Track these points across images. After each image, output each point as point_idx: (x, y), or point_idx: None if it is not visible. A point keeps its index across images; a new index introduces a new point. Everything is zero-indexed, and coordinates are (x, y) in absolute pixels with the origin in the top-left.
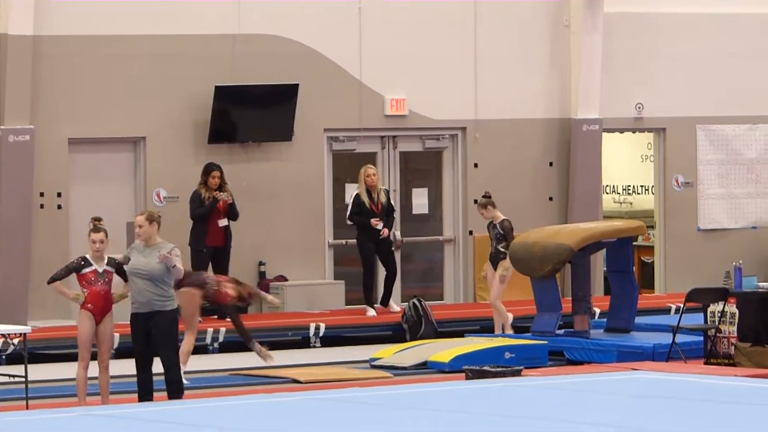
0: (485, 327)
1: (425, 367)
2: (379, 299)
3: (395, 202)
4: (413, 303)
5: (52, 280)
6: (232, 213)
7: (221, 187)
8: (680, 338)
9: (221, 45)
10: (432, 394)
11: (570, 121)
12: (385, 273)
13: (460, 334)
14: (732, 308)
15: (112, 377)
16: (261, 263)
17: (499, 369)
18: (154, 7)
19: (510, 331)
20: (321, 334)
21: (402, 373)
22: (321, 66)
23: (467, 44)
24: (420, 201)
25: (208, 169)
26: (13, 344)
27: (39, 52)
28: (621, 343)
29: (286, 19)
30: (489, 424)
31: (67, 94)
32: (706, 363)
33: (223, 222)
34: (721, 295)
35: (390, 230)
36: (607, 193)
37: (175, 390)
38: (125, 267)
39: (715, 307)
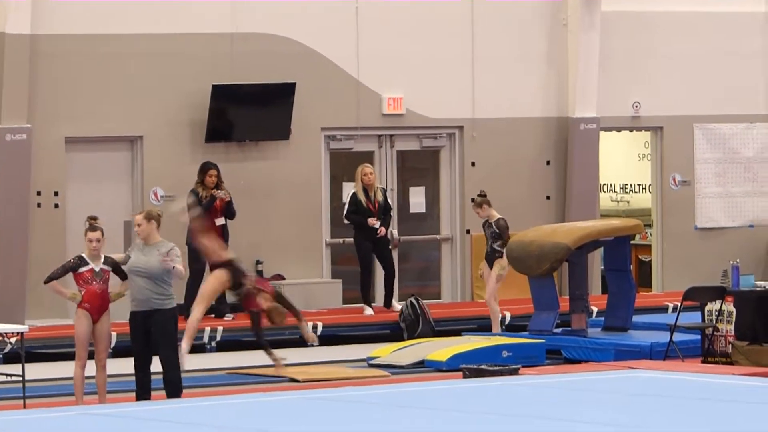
0: (482, 326)
1: (422, 366)
2: (382, 301)
3: (392, 200)
4: (410, 302)
5: (49, 279)
6: (229, 211)
7: (218, 186)
8: (677, 337)
9: (218, 44)
10: (429, 392)
11: (567, 120)
12: (383, 274)
13: (457, 333)
14: (729, 307)
15: (110, 376)
16: (258, 262)
17: (497, 368)
18: (151, 6)
19: (497, 331)
20: (318, 333)
21: (399, 371)
22: (318, 65)
23: (464, 43)
24: (417, 200)
25: (205, 167)
26: (11, 343)
27: (36, 51)
28: (618, 342)
29: (284, 18)
30: (486, 422)
31: (65, 93)
32: (703, 361)
33: (220, 221)
34: (719, 293)
35: (387, 229)
36: (605, 192)
37: (174, 389)
38: (125, 265)
39: (713, 306)
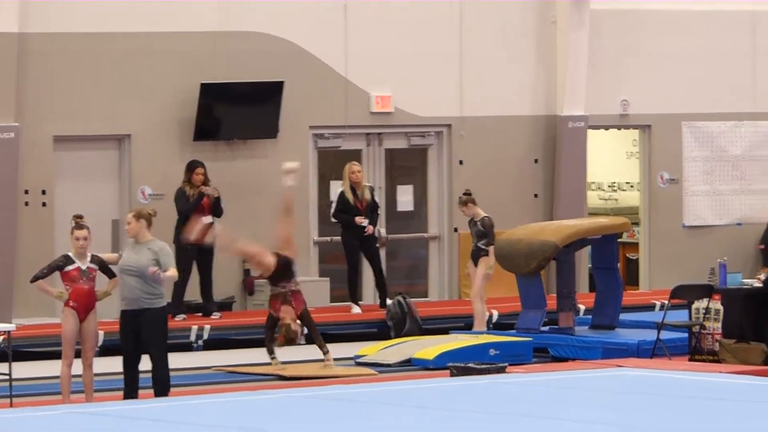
0: (470, 324)
1: (410, 364)
2: (372, 300)
3: (380, 199)
4: (398, 300)
5: (35, 278)
6: (217, 209)
7: (205, 184)
8: (665, 335)
9: (207, 42)
10: (416, 391)
11: (556, 118)
12: (373, 274)
13: (444, 331)
14: (716, 305)
15: (97, 375)
16: (245, 261)
17: (484, 366)
18: (139, 4)
19: (479, 329)
20: (306, 331)
21: (386, 370)
22: (307, 63)
23: (453, 41)
24: (405, 198)
25: (192, 166)
26: None
27: (24, 49)
28: (606, 340)
29: (272, 17)
30: (473, 421)
31: (53, 91)
32: (690, 360)
33: (207, 219)
34: (706, 291)
35: (375, 227)
36: (593, 190)
37: (162, 388)
38: (117, 265)
39: (700, 304)
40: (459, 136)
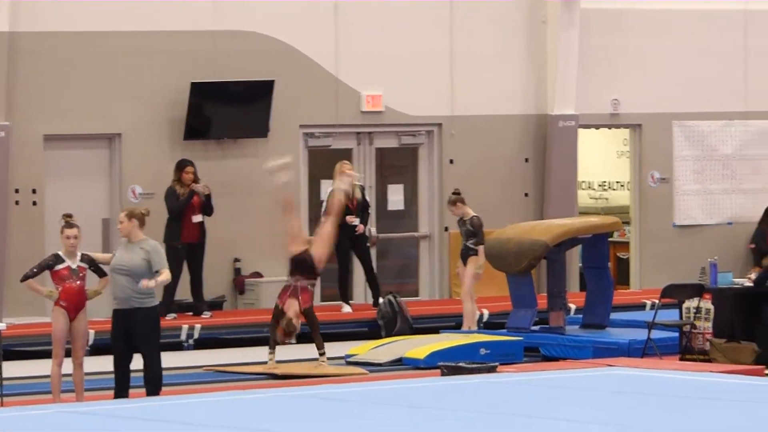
0: (461, 323)
1: (400, 364)
2: (363, 299)
3: (370, 198)
4: (388, 299)
5: (25, 277)
6: (207, 207)
7: (195, 183)
8: (655, 334)
9: (197, 41)
10: (407, 390)
11: (546, 117)
12: (364, 274)
13: (435, 331)
14: (707, 304)
15: (88, 374)
16: (236, 260)
17: (475, 365)
18: (130, 3)
19: (469, 329)
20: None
21: (377, 369)
22: (297, 62)
23: (444, 40)
24: (395, 197)
25: (182, 164)
26: None
27: (15, 48)
28: (596, 339)
29: (263, 16)
30: (464, 420)
31: (43, 90)
32: (681, 359)
33: (197, 218)
34: (697, 291)
35: (366, 227)
36: (583, 189)
37: (154, 387)
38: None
39: (691, 303)
40: (449, 136)
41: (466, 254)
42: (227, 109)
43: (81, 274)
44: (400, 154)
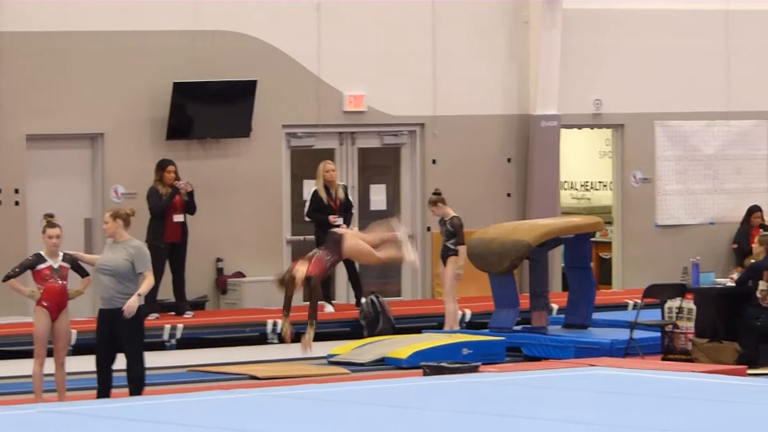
0: (443, 323)
1: (383, 364)
2: (346, 299)
3: (353, 198)
4: (371, 299)
5: (7, 277)
6: (191, 205)
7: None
8: (637, 334)
9: (180, 41)
10: (389, 390)
11: (528, 117)
12: (346, 274)
13: (417, 330)
14: (689, 304)
15: (70, 374)
16: (219, 260)
17: (457, 365)
18: (112, 2)
19: (450, 329)
20: (279, 331)
21: (359, 369)
22: (279, 62)
23: (426, 40)
24: (378, 197)
25: (163, 164)
26: None
27: None
28: (578, 339)
29: (245, 16)
30: (446, 420)
31: (25, 90)
32: (663, 359)
33: (179, 217)
34: (679, 291)
35: (348, 226)
36: (565, 189)
37: (137, 386)
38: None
39: (673, 303)
40: (432, 135)
41: (446, 254)
42: (210, 108)
43: (63, 274)
44: (383, 154)
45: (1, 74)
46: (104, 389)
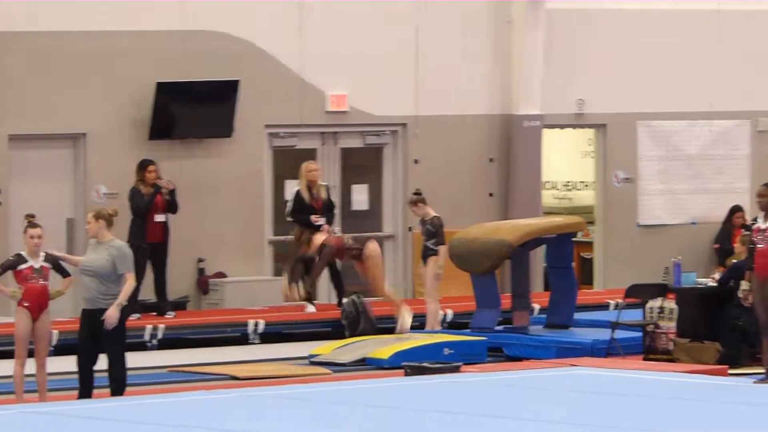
0: (424, 323)
1: (364, 364)
2: (328, 299)
3: (335, 198)
4: (352, 299)
5: None
6: (172, 204)
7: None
8: (619, 334)
9: (163, 41)
10: (371, 390)
11: (511, 117)
12: (328, 274)
13: None
14: (671, 304)
15: (52, 374)
16: (200, 260)
17: (438, 365)
18: (95, 3)
19: (432, 329)
20: (260, 331)
21: (341, 369)
22: (262, 62)
23: (409, 40)
24: (360, 197)
25: (144, 164)
26: None
27: None
28: (560, 339)
29: (228, 16)
30: (428, 420)
31: (8, 90)
32: (644, 359)
33: (160, 217)
34: (660, 290)
35: (330, 227)
36: (548, 189)
37: (119, 387)
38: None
39: (654, 303)
40: (414, 135)
41: (427, 254)
42: (192, 108)
43: (44, 274)
44: (365, 154)
45: None
46: (86, 390)
